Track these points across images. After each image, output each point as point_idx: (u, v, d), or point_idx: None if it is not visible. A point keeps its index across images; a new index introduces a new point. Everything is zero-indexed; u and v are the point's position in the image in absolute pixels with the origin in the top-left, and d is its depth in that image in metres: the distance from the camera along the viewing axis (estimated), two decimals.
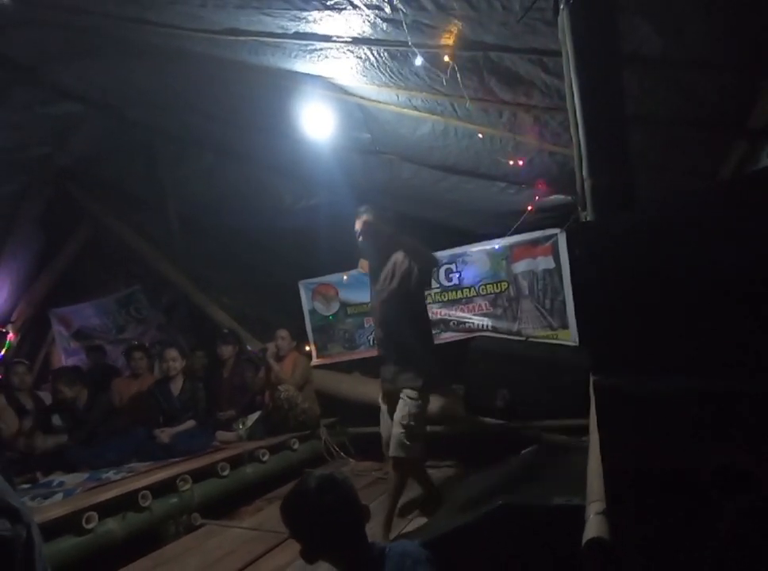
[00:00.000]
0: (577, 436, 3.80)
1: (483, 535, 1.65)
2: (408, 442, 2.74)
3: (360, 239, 2.94)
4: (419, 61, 2.14)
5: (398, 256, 2.92)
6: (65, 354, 6.66)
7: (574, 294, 4.17)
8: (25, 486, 3.51)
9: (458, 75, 2.18)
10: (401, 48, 2.23)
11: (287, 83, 3.35)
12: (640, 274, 1.02)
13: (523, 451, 2.55)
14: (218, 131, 4.62)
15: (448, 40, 2.03)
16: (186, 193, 5.79)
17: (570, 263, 4.12)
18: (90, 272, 6.76)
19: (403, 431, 2.75)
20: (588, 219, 1.41)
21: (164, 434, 4.19)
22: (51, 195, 5.98)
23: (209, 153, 5.15)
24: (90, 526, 2.73)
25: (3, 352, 6.57)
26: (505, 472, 2.22)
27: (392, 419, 2.89)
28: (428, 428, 4.30)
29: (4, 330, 6.69)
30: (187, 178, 5.57)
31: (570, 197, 3.62)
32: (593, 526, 1.15)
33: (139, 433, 4.34)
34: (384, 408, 3.06)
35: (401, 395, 2.85)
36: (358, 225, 2.93)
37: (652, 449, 1.12)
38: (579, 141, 1.83)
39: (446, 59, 2.12)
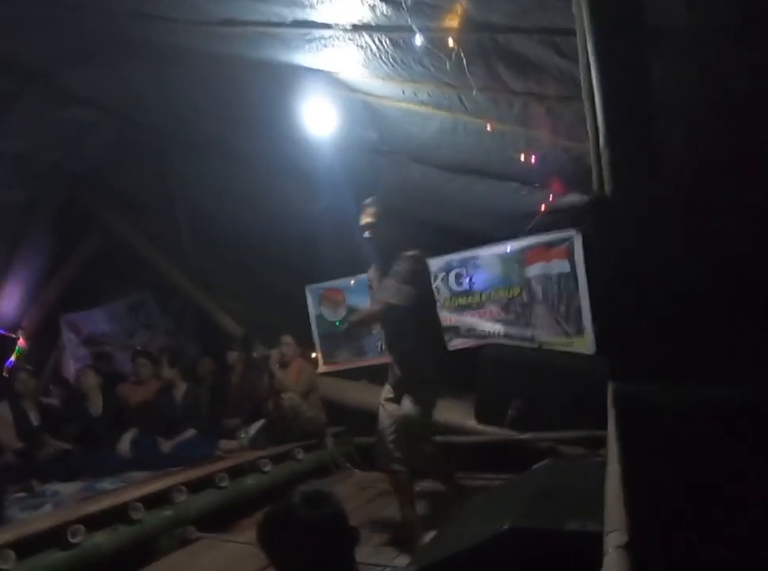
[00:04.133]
0: (593, 448, 3.64)
1: (487, 562, 1.48)
2: None
3: (366, 234, 2.77)
4: (419, 40, 2.00)
5: (409, 254, 2.72)
6: (74, 360, 6.60)
7: (590, 280, 3.96)
8: (21, 495, 3.42)
9: (464, 62, 2.04)
10: (402, 34, 2.11)
11: (293, 82, 3.26)
12: (669, 257, 0.86)
13: (534, 466, 2.36)
14: (226, 135, 4.56)
15: (452, 21, 1.89)
16: (194, 199, 5.74)
17: (586, 260, 3.93)
18: (100, 278, 6.74)
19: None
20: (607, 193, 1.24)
21: (165, 445, 4.10)
22: (62, 201, 5.97)
23: (218, 158, 5.08)
24: (75, 540, 2.59)
25: (14, 358, 6.57)
26: (514, 490, 2.04)
27: None
28: (438, 438, 4.21)
29: (14, 336, 6.69)
30: (195, 184, 5.52)
31: (586, 197, 3.45)
32: (613, 563, 0.97)
33: (140, 441, 4.23)
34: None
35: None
36: (363, 219, 2.77)
37: (680, 467, 0.95)
38: (596, 127, 1.67)
39: (450, 43, 1.98)
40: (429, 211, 4.52)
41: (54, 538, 2.57)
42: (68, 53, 3.97)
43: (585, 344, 4.11)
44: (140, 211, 6.25)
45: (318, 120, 3.42)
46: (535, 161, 2.97)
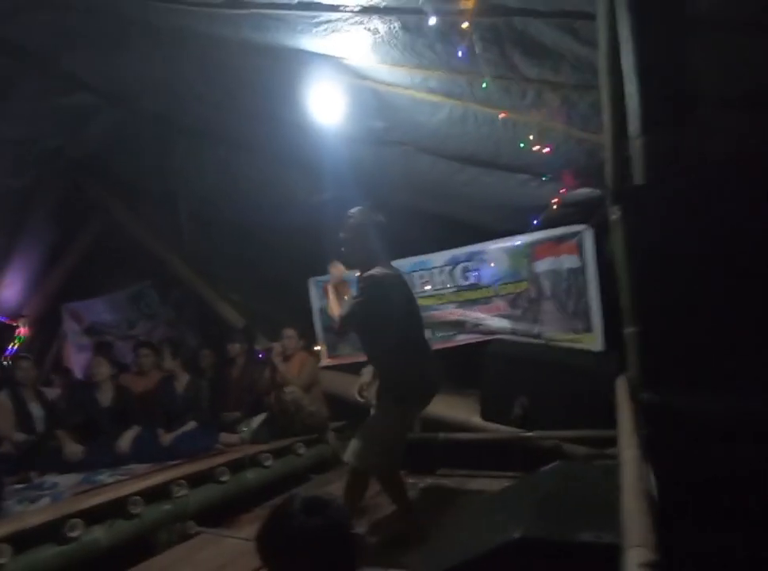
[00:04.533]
0: (600, 448, 3.57)
1: None
2: None
3: (342, 249, 2.77)
4: (431, 24, 1.90)
5: (366, 276, 2.67)
6: (76, 350, 6.55)
7: (601, 276, 3.87)
8: (19, 486, 3.37)
9: (477, 47, 1.95)
10: (414, 17, 2.01)
11: (298, 68, 3.16)
12: (711, 254, 0.78)
13: (542, 468, 2.29)
14: (229, 122, 4.47)
15: (467, 2, 1.80)
16: (196, 188, 5.66)
17: (598, 256, 3.84)
18: (101, 267, 6.66)
19: None
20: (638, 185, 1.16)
21: (164, 438, 4.06)
22: (63, 189, 5.88)
23: (221, 146, 5.00)
24: (73, 535, 2.54)
25: (15, 346, 6.52)
26: (522, 494, 1.97)
27: None
28: (441, 435, 4.15)
29: (15, 324, 6.65)
30: (197, 173, 5.43)
31: (598, 190, 3.36)
32: None
33: (141, 433, 4.17)
34: None
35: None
36: (341, 234, 2.75)
37: (715, 483, 0.87)
38: (614, 118, 1.59)
39: (464, 26, 1.88)
40: (436, 203, 4.44)
41: (51, 532, 2.52)
42: (69, 37, 3.88)
43: (594, 341, 4.03)
44: (140, 199, 6.18)
45: (323, 107, 3.32)
46: (548, 152, 2.87)
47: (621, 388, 3.24)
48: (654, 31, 1.13)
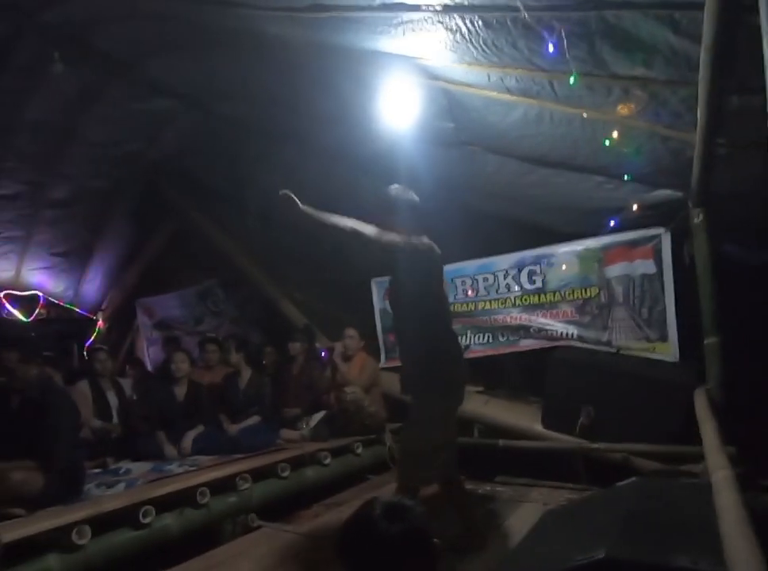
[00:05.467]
0: (674, 464, 3.37)
1: None
2: None
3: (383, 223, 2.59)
4: (516, 21, 1.83)
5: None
6: (147, 343, 6.87)
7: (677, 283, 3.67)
8: (96, 471, 3.55)
9: (564, 43, 1.87)
10: (497, 14, 1.95)
11: (369, 69, 3.17)
12: None
13: (619, 483, 2.17)
14: (298, 123, 4.54)
15: None
16: (265, 188, 5.77)
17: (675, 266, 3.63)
18: (174, 264, 6.93)
19: None
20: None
21: (231, 428, 4.16)
22: (142, 190, 6.14)
23: (290, 147, 5.08)
24: (146, 521, 2.65)
25: (93, 338, 6.92)
26: (601, 510, 1.87)
27: None
28: (502, 442, 4.04)
29: (94, 317, 7.05)
30: (266, 174, 5.55)
31: (679, 193, 3.17)
32: None
33: (204, 430, 4.27)
34: None
35: None
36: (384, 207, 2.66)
37: None
38: (705, 118, 1.47)
39: (552, 23, 1.81)
40: (503, 205, 4.33)
41: (127, 517, 2.64)
42: (151, 43, 4.05)
43: (669, 351, 3.83)
44: (213, 200, 6.38)
45: (393, 108, 3.30)
46: (628, 152, 2.74)
47: (701, 402, 3.04)
48: None
